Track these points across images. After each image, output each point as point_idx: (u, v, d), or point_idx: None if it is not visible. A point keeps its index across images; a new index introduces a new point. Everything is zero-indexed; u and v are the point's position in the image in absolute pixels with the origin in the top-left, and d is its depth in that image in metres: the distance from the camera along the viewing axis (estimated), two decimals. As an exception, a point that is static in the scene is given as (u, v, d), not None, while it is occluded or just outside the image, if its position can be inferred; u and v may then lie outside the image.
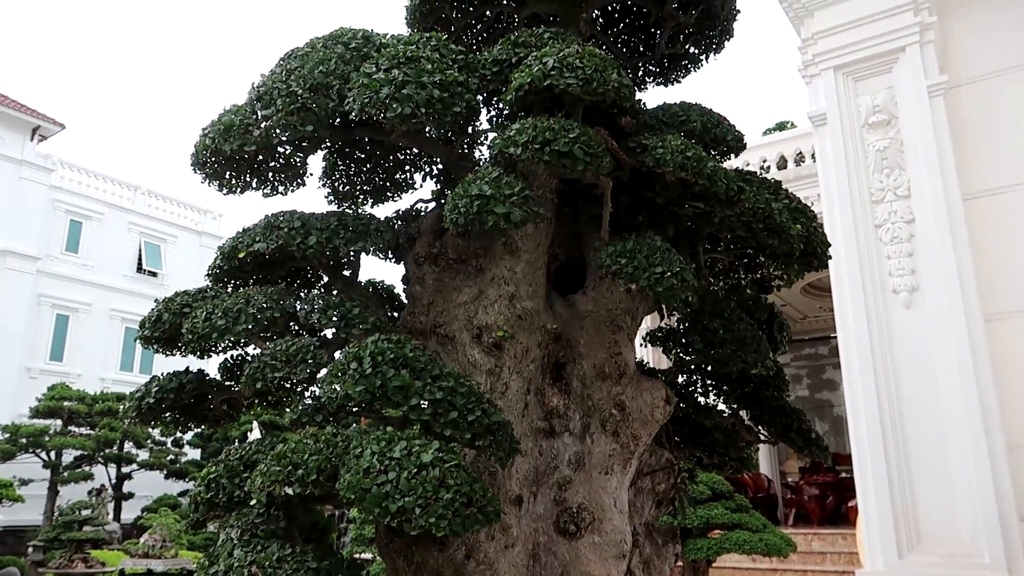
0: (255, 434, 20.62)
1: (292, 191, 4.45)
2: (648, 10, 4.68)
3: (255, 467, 3.27)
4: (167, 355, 4.13)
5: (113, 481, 21.51)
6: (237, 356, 4.31)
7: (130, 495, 21.63)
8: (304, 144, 4.05)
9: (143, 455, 21.97)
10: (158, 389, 3.78)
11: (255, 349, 4.42)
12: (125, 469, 21.69)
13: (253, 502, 2.99)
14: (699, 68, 5.11)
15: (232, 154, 3.70)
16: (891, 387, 7.87)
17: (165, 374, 3.93)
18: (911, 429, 7.80)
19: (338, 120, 3.87)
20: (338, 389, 3.11)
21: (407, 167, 4.82)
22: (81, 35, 79.88)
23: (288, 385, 3.36)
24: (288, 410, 4.02)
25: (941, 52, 8.44)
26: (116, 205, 26.37)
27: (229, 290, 4.13)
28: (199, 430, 22.20)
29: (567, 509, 3.70)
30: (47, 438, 19.68)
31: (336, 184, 4.68)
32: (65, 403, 20.42)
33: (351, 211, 3.93)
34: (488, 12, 5.19)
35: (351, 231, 3.64)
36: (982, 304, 7.77)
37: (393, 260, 4.39)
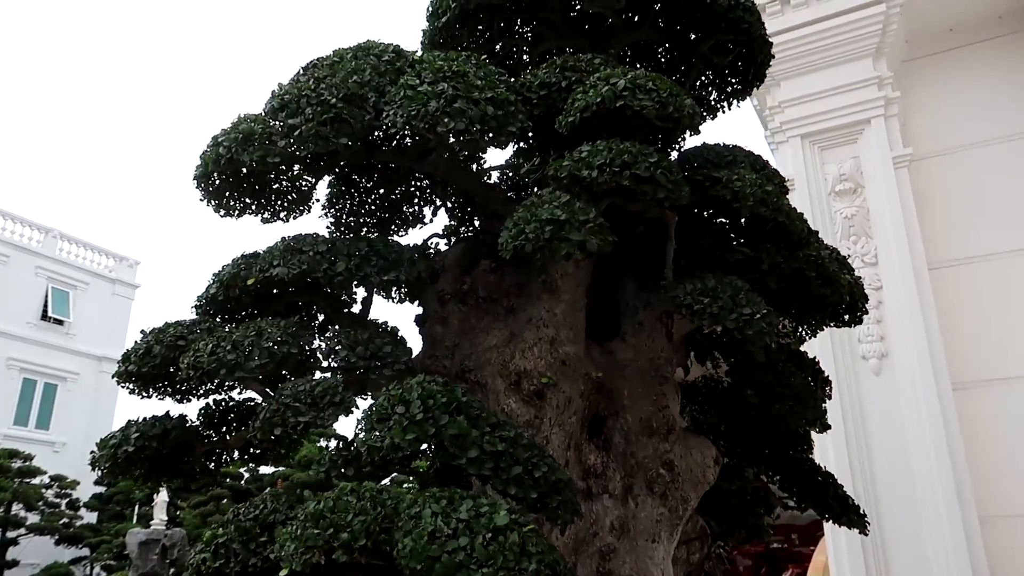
0: (162, 496, 19.05)
1: (295, 218, 4.00)
2: (677, 52, 4.51)
3: (272, 529, 2.73)
4: (143, 397, 3.52)
5: (-5, 548, 19.42)
6: (220, 401, 3.75)
7: (14, 563, 19.51)
8: (320, 164, 3.63)
9: (33, 518, 19.92)
10: (139, 436, 3.18)
11: (240, 394, 3.87)
12: (11, 534, 19.60)
13: (283, 573, 2.46)
14: (715, 117, 4.98)
15: (247, 167, 3.23)
16: (863, 455, 7.75)
17: (145, 418, 3.33)
18: (884, 498, 7.67)
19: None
20: (381, 436, 2.64)
21: (416, 200, 4.43)
22: (-12, 70, 76.34)
23: (310, 430, 2.86)
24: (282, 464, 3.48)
25: (904, 126, 8.69)
26: (23, 247, 24.58)
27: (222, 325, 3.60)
28: (103, 490, 20.32)
29: (614, 582, 3.27)
30: (-78, 499, 17.67)
31: (340, 214, 4.25)
32: (-53, 460, 18.48)
33: (379, 238, 3.49)
34: (499, 47, 4.94)
35: (383, 259, 3.21)
36: (950, 373, 7.81)
37: (407, 299, 3.96)
